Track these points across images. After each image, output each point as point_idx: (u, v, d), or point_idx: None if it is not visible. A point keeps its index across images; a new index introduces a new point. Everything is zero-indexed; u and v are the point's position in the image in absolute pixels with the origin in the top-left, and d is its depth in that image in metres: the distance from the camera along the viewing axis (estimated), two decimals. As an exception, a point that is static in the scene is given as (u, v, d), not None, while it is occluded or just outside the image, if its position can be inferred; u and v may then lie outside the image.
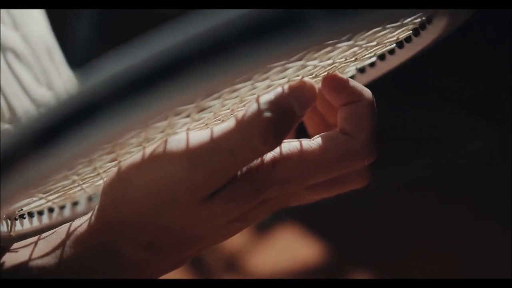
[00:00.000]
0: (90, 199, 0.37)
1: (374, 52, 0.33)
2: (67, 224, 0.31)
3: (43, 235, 0.31)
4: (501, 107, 1.70)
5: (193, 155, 0.27)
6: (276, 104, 0.27)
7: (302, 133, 0.34)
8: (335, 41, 0.24)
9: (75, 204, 0.37)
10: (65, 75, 0.50)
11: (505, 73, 1.74)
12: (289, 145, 0.29)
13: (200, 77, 0.20)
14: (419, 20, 0.30)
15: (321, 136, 0.30)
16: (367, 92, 0.30)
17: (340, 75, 0.30)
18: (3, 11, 0.43)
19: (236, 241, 1.27)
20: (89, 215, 0.31)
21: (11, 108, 0.41)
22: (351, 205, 1.22)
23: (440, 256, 1.27)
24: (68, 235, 0.30)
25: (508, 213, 1.32)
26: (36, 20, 0.48)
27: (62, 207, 0.36)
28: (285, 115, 0.27)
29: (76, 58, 1.86)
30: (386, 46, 0.33)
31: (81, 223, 0.30)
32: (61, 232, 0.31)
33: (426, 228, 1.35)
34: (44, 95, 0.45)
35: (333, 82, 0.30)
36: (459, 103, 1.71)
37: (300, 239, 1.31)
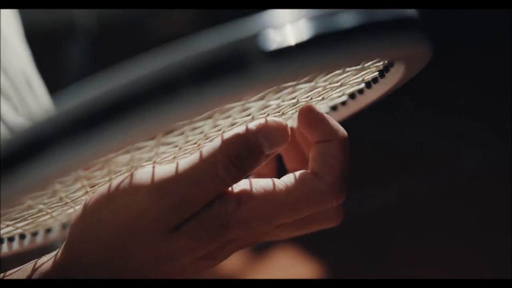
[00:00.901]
0: (63, 226, 0.37)
1: (342, 91, 0.33)
2: (33, 261, 0.31)
3: (9, 272, 0.31)
4: (500, 120, 1.70)
5: (159, 186, 0.27)
6: (243, 139, 0.27)
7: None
8: (287, 84, 0.24)
9: (48, 231, 0.36)
10: (45, 105, 0.50)
11: (505, 82, 1.73)
12: (255, 184, 0.28)
13: (143, 118, 0.19)
14: (381, 63, 0.29)
15: (289, 176, 0.29)
16: (340, 131, 0.29)
17: (316, 108, 0.30)
18: None
19: (233, 262, 1.26)
20: (56, 251, 0.30)
21: None
22: (348, 224, 1.21)
23: (437, 273, 1.26)
24: (34, 270, 0.30)
25: (508, 226, 1.32)
26: (16, 51, 0.48)
27: (34, 234, 0.36)
28: (251, 151, 0.27)
29: (70, 80, 1.90)
30: (353, 86, 0.33)
31: (47, 259, 0.30)
32: (27, 269, 0.30)
33: (423, 245, 1.34)
34: (23, 125, 0.44)
35: (308, 116, 0.29)
36: (456, 117, 1.71)
37: (297, 259, 1.30)
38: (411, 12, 0.23)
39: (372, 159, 1.54)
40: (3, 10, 0.49)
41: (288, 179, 0.29)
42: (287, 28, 0.19)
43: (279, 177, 0.29)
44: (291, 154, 0.35)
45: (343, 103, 0.35)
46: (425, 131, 1.71)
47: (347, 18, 0.20)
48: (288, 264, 1.29)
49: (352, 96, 0.34)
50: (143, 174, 0.27)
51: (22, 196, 0.22)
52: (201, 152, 0.27)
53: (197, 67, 0.19)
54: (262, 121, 0.28)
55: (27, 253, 0.35)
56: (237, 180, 0.27)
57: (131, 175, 0.27)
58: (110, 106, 0.19)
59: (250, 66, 0.19)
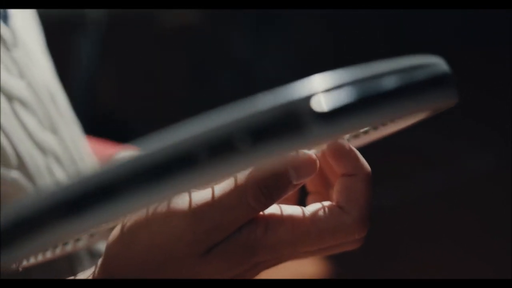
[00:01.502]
0: (91, 235, 0.39)
1: None
2: (70, 279, 0.32)
3: None
4: (500, 121, 1.71)
5: (194, 211, 0.29)
6: (273, 169, 0.29)
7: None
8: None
9: (77, 240, 0.38)
10: (68, 118, 0.51)
11: (505, 83, 1.74)
12: (283, 211, 0.30)
13: (203, 173, 0.22)
14: None
15: (316, 206, 0.31)
16: (365, 166, 0.31)
17: (345, 142, 0.31)
18: (9, 60, 0.44)
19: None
20: (92, 269, 0.32)
21: (18, 155, 0.43)
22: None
23: (441, 274, 1.27)
24: None
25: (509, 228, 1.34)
26: (41, 67, 0.49)
27: (65, 243, 0.38)
28: (280, 181, 0.29)
29: (80, 71, 1.91)
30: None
31: (84, 277, 0.32)
32: None
33: (427, 247, 1.36)
34: (48, 139, 0.46)
35: (337, 149, 0.31)
36: (460, 117, 1.73)
37: (303, 259, 1.32)
38: (444, 66, 0.25)
39: (374, 159, 1.55)
40: (27, 23, 0.49)
41: (314, 209, 0.30)
42: (336, 91, 0.21)
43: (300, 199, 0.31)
44: (314, 178, 0.36)
45: (366, 132, 0.37)
46: (426, 131, 1.73)
47: (389, 80, 0.22)
48: (294, 263, 1.30)
49: (375, 127, 0.36)
50: (179, 199, 0.29)
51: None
52: (234, 179, 0.29)
53: (255, 127, 0.21)
54: (292, 153, 0.29)
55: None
56: (265, 207, 0.29)
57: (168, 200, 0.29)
58: (177, 160, 0.21)
59: (303, 126, 0.21)
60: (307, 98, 0.21)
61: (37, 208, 0.22)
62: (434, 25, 2.02)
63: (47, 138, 0.46)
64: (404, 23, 2.11)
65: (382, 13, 2.05)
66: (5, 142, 0.42)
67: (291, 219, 0.30)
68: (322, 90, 0.21)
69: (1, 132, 0.42)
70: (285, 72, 2.37)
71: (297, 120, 0.21)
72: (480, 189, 1.48)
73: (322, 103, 0.21)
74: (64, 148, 0.48)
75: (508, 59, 1.81)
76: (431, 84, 0.24)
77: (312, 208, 0.31)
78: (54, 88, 0.51)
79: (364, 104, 0.21)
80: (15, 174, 0.42)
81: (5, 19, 0.45)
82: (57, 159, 0.47)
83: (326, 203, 0.31)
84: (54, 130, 0.47)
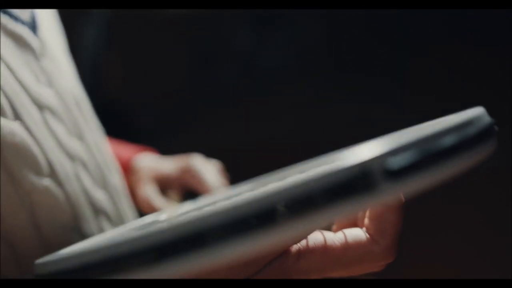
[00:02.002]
0: None
1: None
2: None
3: None
4: (503, 121, 1.74)
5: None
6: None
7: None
8: None
9: None
10: (92, 123, 0.52)
11: (505, 83, 1.77)
12: (315, 239, 0.32)
13: (287, 230, 0.23)
14: None
15: (347, 233, 0.32)
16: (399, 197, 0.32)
17: None
18: (39, 70, 0.44)
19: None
20: None
21: (49, 163, 0.43)
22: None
23: (444, 267, 1.30)
24: None
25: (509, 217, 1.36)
26: (66, 73, 0.50)
27: None
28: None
29: (85, 57, 1.92)
30: None
31: None
32: None
33: (429, 237, 1.38)
34: (75, 146, 0.47)
35: None
36: (456, 103, 1.75)
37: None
38: (488, 118, 0.28)
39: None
40: (52, 29, 0.50)
41: (345, 237, 0.32)
42: (403, 151, 0.24)
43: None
44: None
45: None
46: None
47: (448, 139, 0.25)
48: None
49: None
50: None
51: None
52: None
53: (331, 186, 0.23)
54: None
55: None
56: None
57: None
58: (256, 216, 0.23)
59: (375, 185, 0.23)
60: (379, 158, 0.23)
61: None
62: (434, 25, 2.04)
63: (74, 145, 0.47)
64: (404, 23, 2.12)
65: (381, 13, 2.07)
66: (37, 151, 0.42)
67: (321, 246, 0.32)
68: (390, 150, 0.24)
69: (34, 141, 0.42)
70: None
71: (370, 179, 0.23)
72: (481, 187, 1.51)
73: (392, 163, 0.23)
74: (89, 154, 0.49)
75: (508, 59, 1.83)
76: (483, 137, 0.26)
77: (342, 236, 0.32)
78: (79, 94, 0.51)
79: (429, 162, 0.24)
80: (46, 181, 0.43)
81: (34, 29, 0.46)
82: (84, 165, 0.48)
83: (355, 231, 0.32)
84: (80, 137, 0.48)
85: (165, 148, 0.74)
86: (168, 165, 0.61)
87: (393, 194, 0.23)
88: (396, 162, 0.23)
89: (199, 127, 2.10)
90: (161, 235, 0.24)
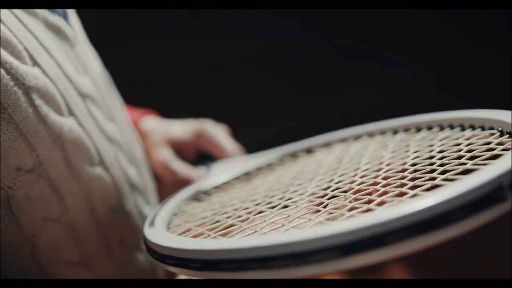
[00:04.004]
0: None
1: None
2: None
3: None
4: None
5: None
6: None
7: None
8: None
9: None
10: (117, 103, 0.52)
11: (505, 82, 1.76)
12: None
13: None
14: None
15: None
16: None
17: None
18: (75, 58, 0.45)
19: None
20: None
21: (98, 151, 0.44)
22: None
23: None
24: None
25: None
26: (93, 58, 0.50)
27: None
28: None
29: None
30: None
31: None
32: None
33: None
34: (111, 129, 0.48)
35: None
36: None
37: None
38: None
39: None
40: (73, 13, 0.49)
41: None
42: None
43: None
44: None
45: None
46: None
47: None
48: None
49: None
50: None
51: None
52: None
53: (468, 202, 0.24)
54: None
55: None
56: None
57: None
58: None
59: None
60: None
61: None
62: (435, 25, 2.02)
63: (111, 128, 0.47)
64: (404, 23, 2.09)
65: (382, 12, 2.03)
66: (89, 142, 0.43)
67: None
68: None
69: (85, 133, 0.42)
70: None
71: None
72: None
73: None
74: (121, 134, 0.50)
75: (508, 59, 1.81)
76: None
77: None
78: (105, 76, 0.52)
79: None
80: (98, 169, 0.44)
81: (66, 17, 0.45)
82: (119, 146, 0.48)
83: None
84: (113, 119, 0.49)
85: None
86: (178, 129, 0.60)
87: None
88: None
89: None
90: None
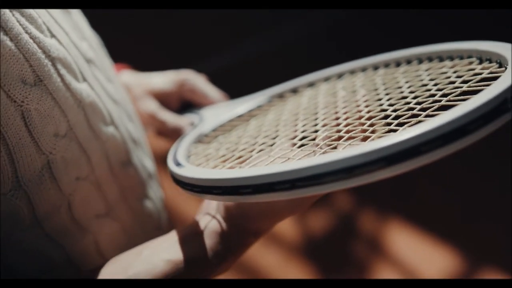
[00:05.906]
0: None
1: None
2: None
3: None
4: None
5: None
6: None
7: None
8: None
9: None
10: (110, 64, 0.54)
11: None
12: None
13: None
14: None
15: None
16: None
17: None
18: (73, 25, 0.46)
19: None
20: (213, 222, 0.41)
21: (108, 112, 0.47)
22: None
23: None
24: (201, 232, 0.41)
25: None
26: (84, 23, 0.51)
27: None
28: None
29: None
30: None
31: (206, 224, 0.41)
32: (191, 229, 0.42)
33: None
34: (112, 89, 0.50)
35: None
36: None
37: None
38: None
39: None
40: None
41: None
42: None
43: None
44: None
45: None
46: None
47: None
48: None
49: None
50: None
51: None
52: None
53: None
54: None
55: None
56: None
57: None
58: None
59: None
60: None
61: None
62: (434, 25, 2.01)
63: (111, 89, 0.50)
64: (404, 23, 2.08)
65: (381, 12, 2.01)
66: (101, 104, 0.45)
67: None
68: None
69: (97, 96, 0.45)
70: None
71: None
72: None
73: None
74: (119, 94, 0.52)
75: None
76: None
77: None
78: (96, 39, 0.53)
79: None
80: (111, 129, 0.47)
81: None
82: (120, 106, 0.51)
83: None
84: (110, 79, 0.51)
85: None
86: (160, 80, 0.61)
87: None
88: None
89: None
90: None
